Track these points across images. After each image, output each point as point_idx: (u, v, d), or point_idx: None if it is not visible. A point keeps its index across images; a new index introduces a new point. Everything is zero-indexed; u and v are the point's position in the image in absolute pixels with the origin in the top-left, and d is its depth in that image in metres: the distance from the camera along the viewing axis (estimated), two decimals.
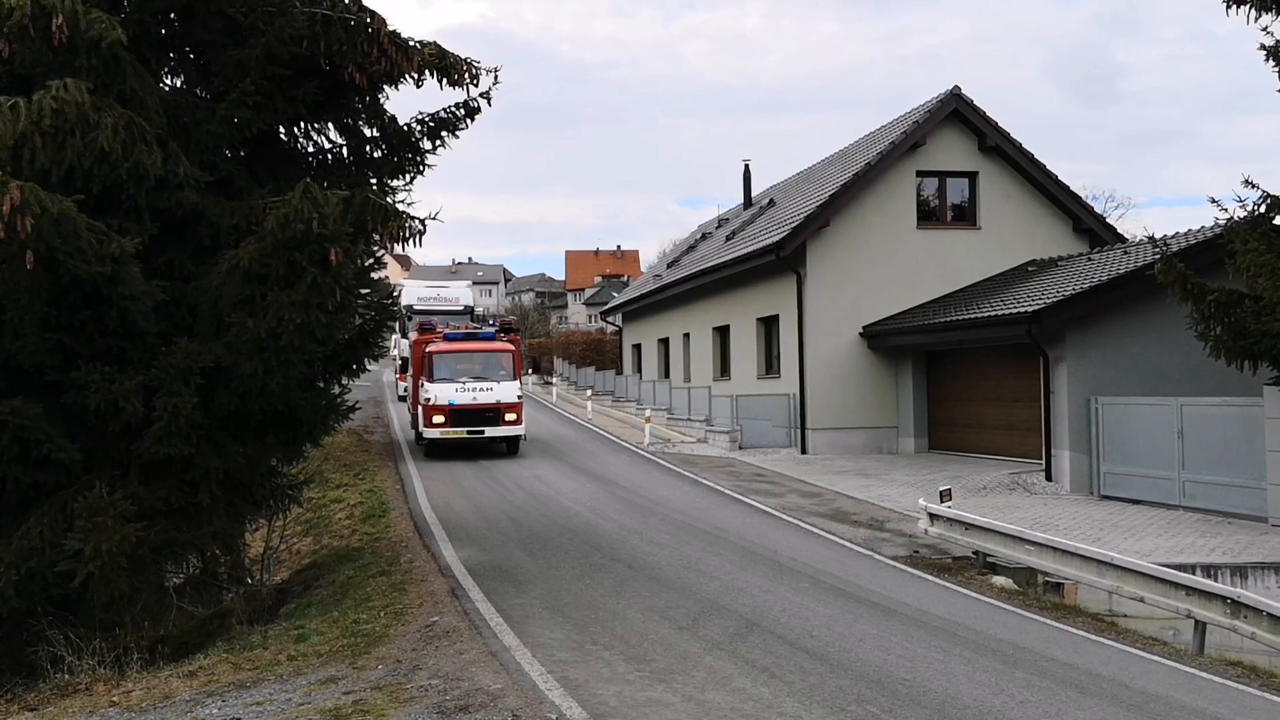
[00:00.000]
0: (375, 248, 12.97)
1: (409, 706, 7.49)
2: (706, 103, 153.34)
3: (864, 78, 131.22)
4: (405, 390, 32.77)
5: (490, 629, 9.63)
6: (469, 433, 23.99)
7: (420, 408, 25.06)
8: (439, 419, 24.04)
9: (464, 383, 24.37)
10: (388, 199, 12.07)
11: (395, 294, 17.00)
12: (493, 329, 27.82)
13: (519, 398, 24.84)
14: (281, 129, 12.84)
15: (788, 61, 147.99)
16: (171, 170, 10.84)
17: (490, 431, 24.25)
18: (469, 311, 40.56)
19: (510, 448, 25.18)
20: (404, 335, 33.69)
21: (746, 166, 38.99)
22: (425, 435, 24.32)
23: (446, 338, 26.13)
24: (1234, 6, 15.06)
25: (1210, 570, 13.01)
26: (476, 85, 12.63)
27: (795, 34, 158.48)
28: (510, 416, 24.36)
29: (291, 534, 17.89)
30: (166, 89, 12.47)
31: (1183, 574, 11.51)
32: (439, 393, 24.21)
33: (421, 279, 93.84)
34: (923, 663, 9.00)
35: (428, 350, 25.47)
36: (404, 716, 7.29)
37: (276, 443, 12.69)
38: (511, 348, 25.97)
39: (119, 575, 10.68)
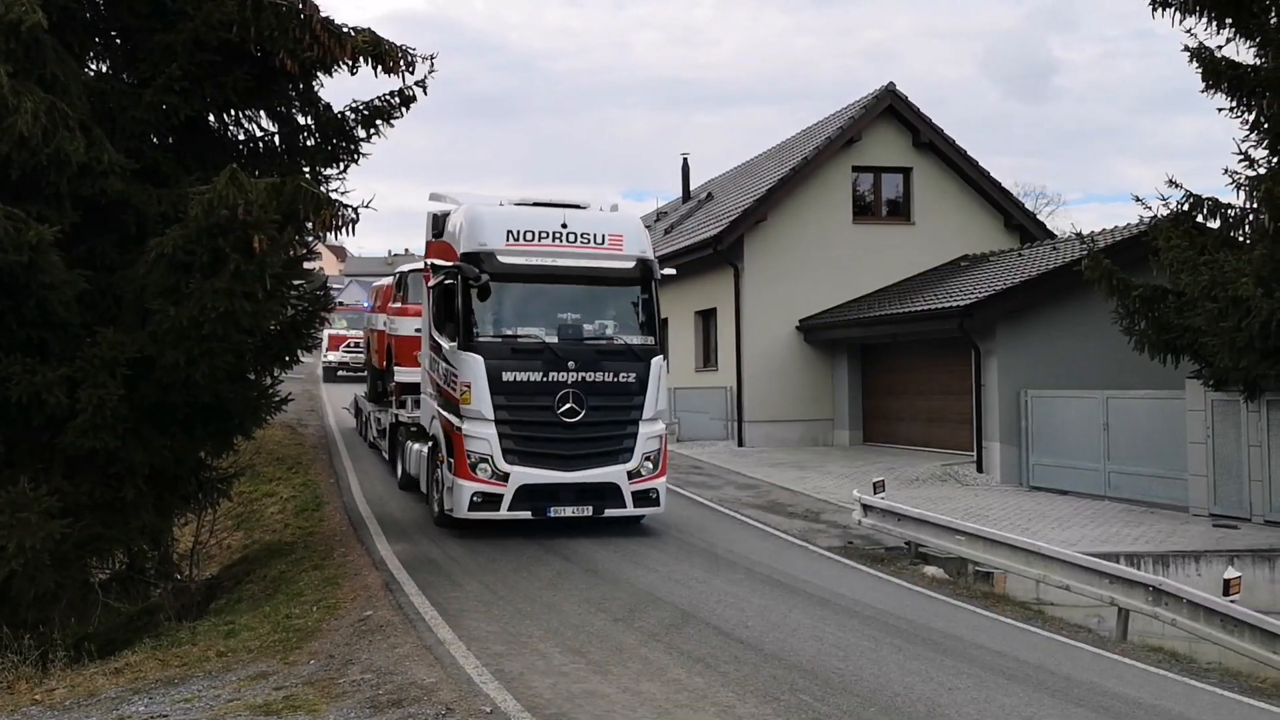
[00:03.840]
0: (308, 237, 12.82)
1: (341, 701, 7.41)
2: (655, 94, 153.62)
3: (813, 71, 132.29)
4: (360, 402, 24.72)
5: (425, 622, 9.56)
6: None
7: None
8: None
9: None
10: (321, 187, 11.95)
11: (324, 285, 16.85)
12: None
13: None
14: (211, 116, 12.64)
15: (738, 53, 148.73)
16: (95, 157, 10.61)
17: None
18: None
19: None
20: (405, 297, 19.26)
21: (685, 160, 39.02)
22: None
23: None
24: (1160, 9, 15.41)
25: (1133, 559, 13.33)
26: (412, 73, 12.57)
27: (745, 26, 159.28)
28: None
29: (222, 528, 17.61)
30: (91, 74, 12.21)
31: (1107, 563, 11.78)
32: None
33: (359, 270, 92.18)
34: (855, 651, 9.11)
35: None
36: (336, 711, 7.22)
37: (205, 435, 12.48)
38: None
39: (43, 572, 10.45)
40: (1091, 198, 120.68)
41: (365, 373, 36.90)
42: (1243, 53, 15.16)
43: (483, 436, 12.94)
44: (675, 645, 8.98)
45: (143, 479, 11.41)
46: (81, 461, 11.14)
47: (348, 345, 37.49)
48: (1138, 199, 16.06)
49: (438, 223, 14.42)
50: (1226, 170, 14.65)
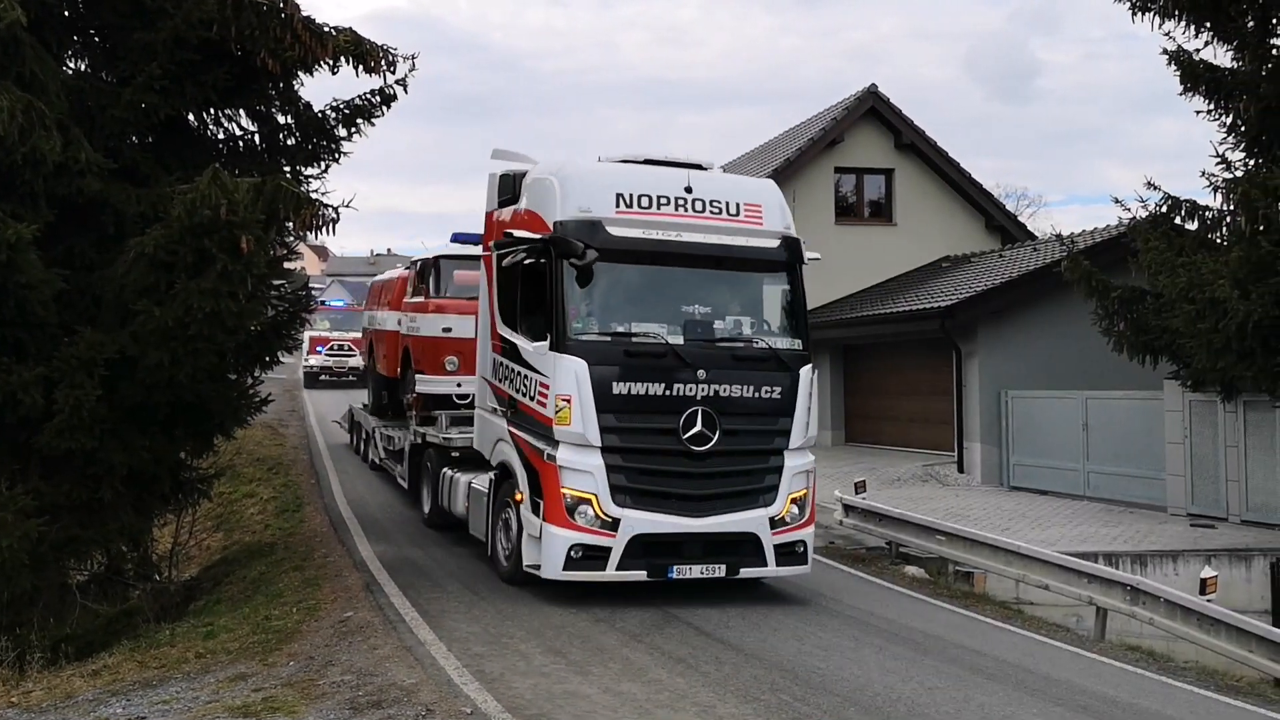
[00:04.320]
0: (288, 237, 12.77)
1: (321, 703, 7.39)
2: (640, 94, 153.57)
3: (798, 72, 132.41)
4: (362, 416, 20.74)
5: (405, 624, 9.54)
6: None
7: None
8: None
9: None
10: (301, 187, 11.91)
11: (306, 285, 16.69)
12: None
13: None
14: (190, 115, 12.56)
15: (724, 54, 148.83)
16: (72, 156, 10.53)
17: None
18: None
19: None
20: (435, 288, 15.85)
21: None
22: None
23: None
24: (1139, 13, 15.52)
25: (1111, 558, 13.42)
26: (393, 73, 12.52)
27: (731, 26, 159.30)
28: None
29: (201, 529, 17.53)
30: (69, 72, 12.13)
31: (1085, 562, 11.86)
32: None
33: (341, 270, 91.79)
34: (836, 651, 9.14)
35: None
36: (315, 713, 7.19)
37: (186, 436, 12.41)
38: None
39: (20, 573, 10.39)
40: (1073, 199, 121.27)
41: (348, 378, 34.97)
42: (1220, 56, 15.30)
43: (586, 469, 9.95)
44: (656, 645, 8.99)
45: (121, 480, 11.34)
46: (59, 462, 11.06)
47: (331, 348, 35.63)
48: (1117, 201, 16.21)
49: (507, 185, 11.51)
50: (1204, 173, 14.79)
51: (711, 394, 10.27)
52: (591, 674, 8.12)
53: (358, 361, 34.74)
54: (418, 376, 15.38)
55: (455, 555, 12.77)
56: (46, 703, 8.66)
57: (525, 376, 10.69)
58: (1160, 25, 15.35)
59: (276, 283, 13.03)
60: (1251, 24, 14.90)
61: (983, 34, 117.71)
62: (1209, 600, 10.45)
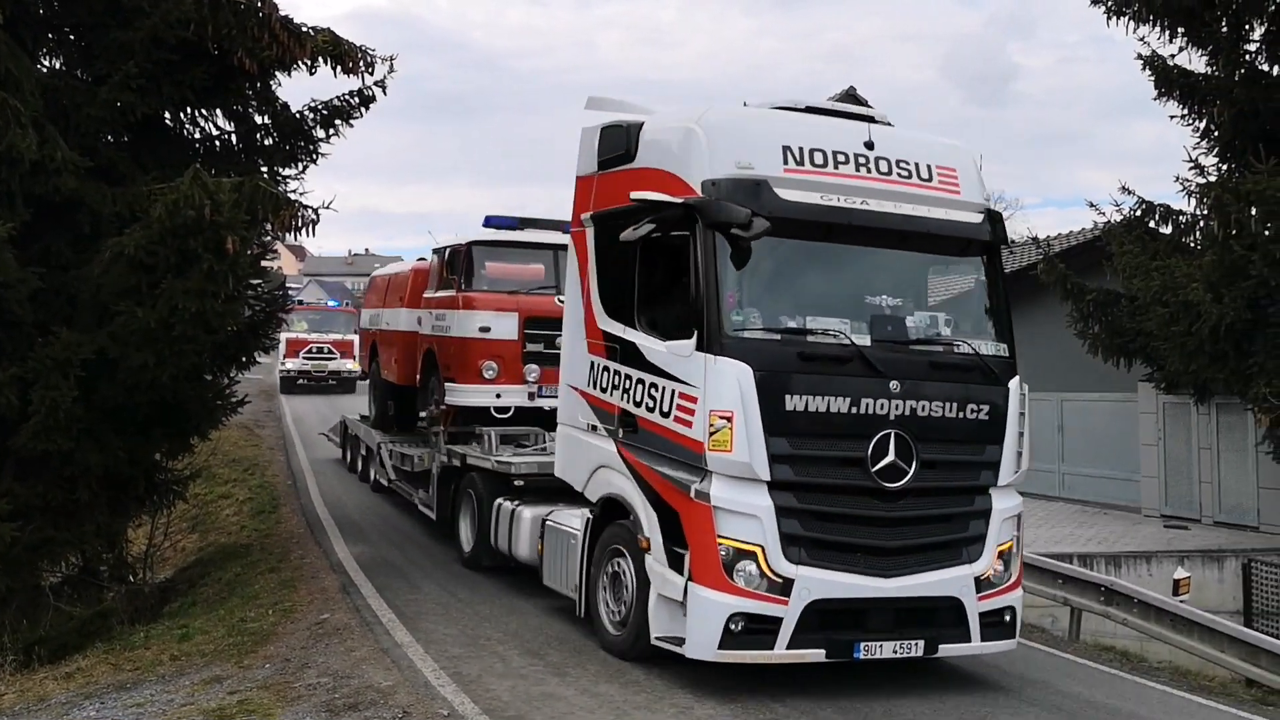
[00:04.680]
0: (266, 237, 12.72)
1: (296, 705, 7.36)
2: (620, 94, 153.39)
3: (777, 74, 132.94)
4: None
5: (382, 625, 9.51)
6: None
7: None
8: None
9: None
10: (279, 187, 11.86)
11: (283, 285, 16.56)
12: None
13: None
14: (167, 114, 12.49)
15: (702, 55, 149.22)
16: (49, 155, 10.46)
17: None
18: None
19: None
20: (468, 280, 13.21)
21: None
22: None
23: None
24: (1114, 17, 15.66)
25: (1086, 559, 13.53)
26: (372, 73, 12.49)
27: (710, 28, 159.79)
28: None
29: (177, 531, 17.40)
30: (45, 70, 12.04)
31: (1060, 563, 11.96)
32: None
33: (318, 270, 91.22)
34: None
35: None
36: (291, 715, 7.17)
37: (162, 437, 12.37)
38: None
39: None
40: (1049, 202, 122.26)
41: (329, 383, 33.49)
42: (1195, 61, 15.46)
43: (750, 511, 7.56)
44: None
45: (97, 481, 11.27)
46: (35, 463, 10.98)
47: (309, 351, 33.68)
48: (1092, 205, 16.39)
49: (616, 140, 8.88)
50: (1178, 178, 14.94)
51: (907, 413, 7.90)
52: (569, 675, 8.12)
53: (339, 365, 33.84)
54: (448, 385, 12.88)
55: (433, 557, 12.75)
56: (19, 706, 8.59)
57: (653, 386, 8.20)
58: (1135, 30, 15.52)
59: (254, 282, 12.99)
60: (1225, 30, 15.07)
61: (960, 37, 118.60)
62: (1182, 601, 10.57)
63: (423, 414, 14.19)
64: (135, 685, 8.57)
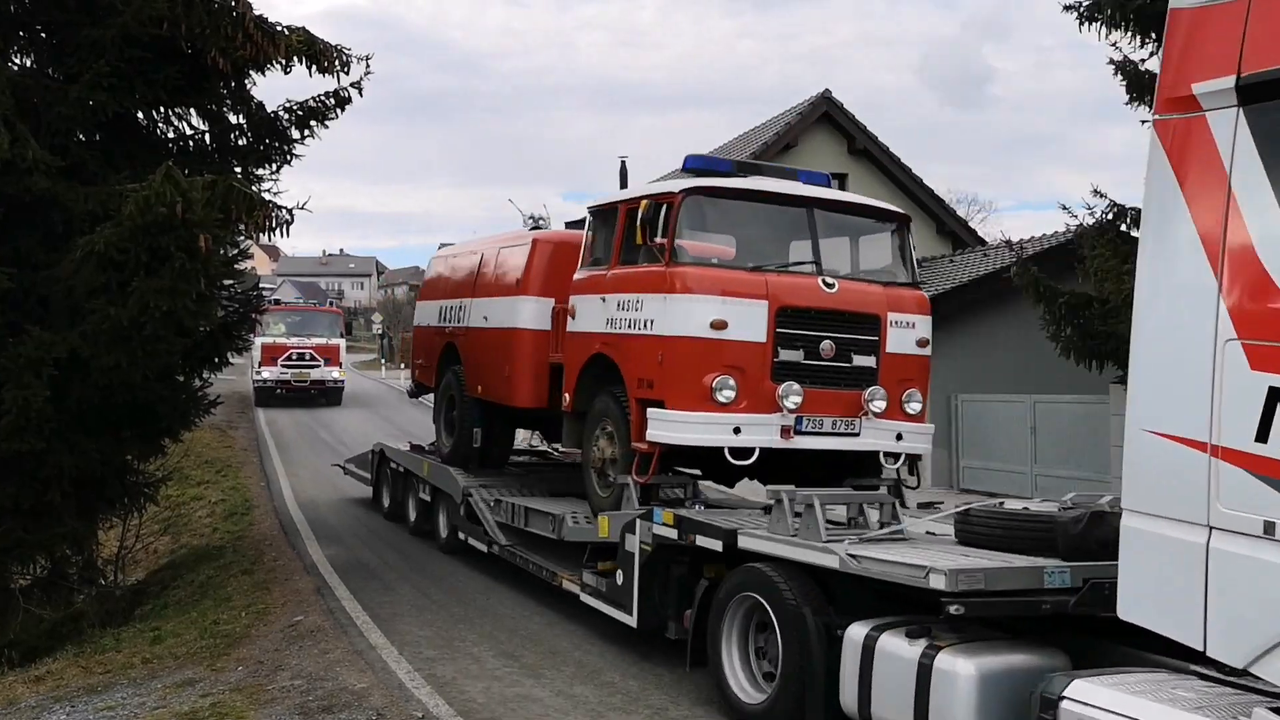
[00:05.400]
0: (240, 238, 12.64)
1: (270, 708, 7.34)
2: (598, 95, 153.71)
3: (755, 76, 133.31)
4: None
5: (356, 627, 9.49)
6: None
7: None
8: None
9: None
10: (253, 187, 11.78)
11: (257, 285, 16.22)
12: None
13: None
14: (140, 113, 12.39)
15: (681, 57, 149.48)
16: (19, 154, 10.35)
17: None
18: None
19: None
20: (674, 249, 8.76)
21: (623, 163, 38.87)
22: None
23: None
24: (1086, 23, 15.79)
25: None
26: (348, 73, 12.41)
27: (689, 29, 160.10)
28: None
29: (148, 533, 17.28)
30: (15, 68, 11.92)
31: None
32: None
33: (293, 270, 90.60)
34: None
35: None
36: (264, 718, 7.15)
37: (134, 438, 12.26)
38: None
39: None
40: (1024, 205, 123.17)
41: (310, 393, 30.13)
42: None
43: None
44: (610, 648, 9.00)
45: (70, 482, 11.17)
46: (5, 465, 10.87)
47: (289, 358, 30.66)
48: (1064, 208, 16.48)
49: None
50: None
51: None
52: (544, 677, 8.12)
53: (323, 374, 30.85)
54: (652, 413, 8.62)
55: (408, 558, 12.71)
56: None
57: None
58: (1107, 35, 15.62)
59: (227, 283, 12.91)
60: None
61: (936, 40, 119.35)
62: None
63: (553, 447, 11.72)
64: (106, 688, 8.51)
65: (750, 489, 10.58)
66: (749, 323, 8.53)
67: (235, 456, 22.74)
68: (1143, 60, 15.64)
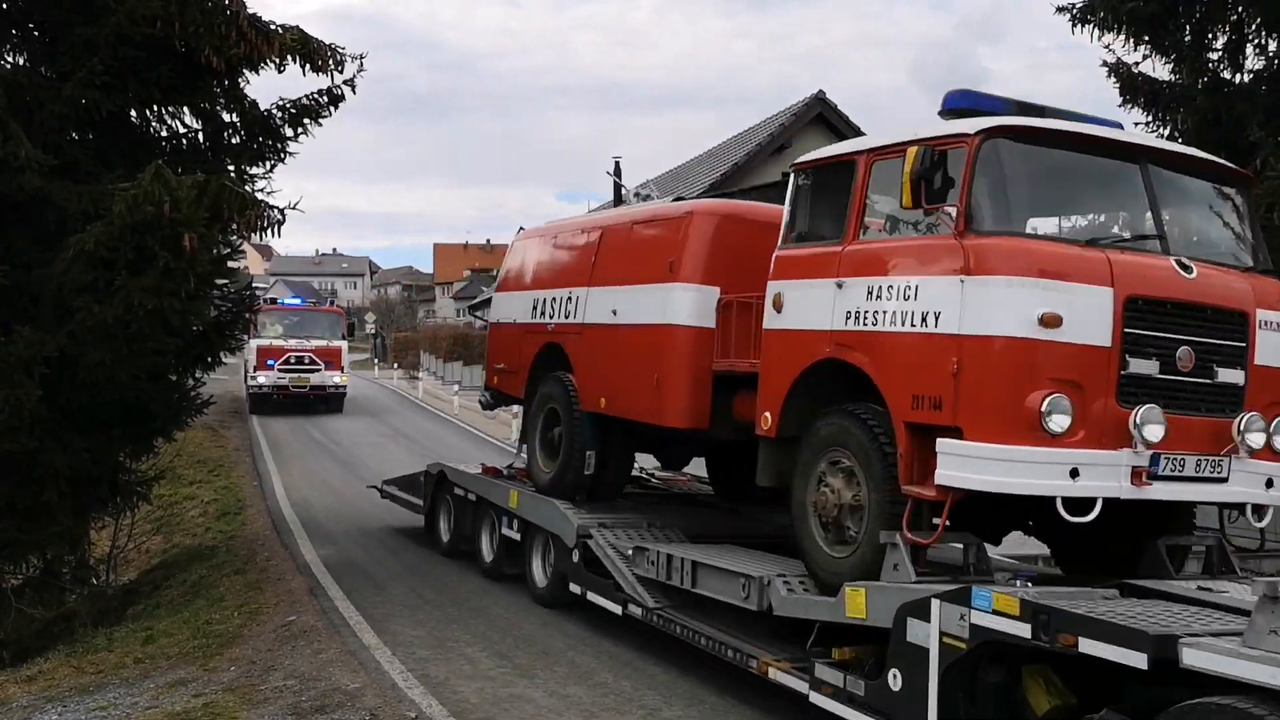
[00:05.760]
0: (233, 237, 12.62)
1: (262, 708, 7.33)
2: (592, 96, 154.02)
3: (750, 76, 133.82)
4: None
5: (349, 627, 9.48)
6: None
7: None
8: None
9: None
10: (247, 186, 11.77)
11: (250, 285, 16.05)
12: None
13: None
14: (133, 112, 12.36)
15: (677, 57, 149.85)
16: (12, 152, 10.32)
17: None
18: None
19: None
20: (968, 214, 6.29)
21: (617, 163, 38.90)
22: None
23: None
24: (1080, 25, 15.83)
25: (1035, 561, 13.66)
26: (341, 72, 12.39)
27: (685, 30, 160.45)
28: None
29: (141, 533, 17.23)
30: (8, 66, 11.89)
31: (1014, 562, 12.07)
32: None
33: (285, 269, 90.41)
34: None
35: None
36: (257, 718, 7.14)
37: (125, 437, 12.22)
38: None
39: None
40: None
41: (309, 399, 27.72)
42: (1159, 69, 15.63)
43: None
44: (604, 649, 9.01)
45: (65, 482, 11.14)
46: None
47: (286, 361, 28.52)
48: None
49: None
50: None
51: None
52: (538, 677, 8.13)
53: (324, 379, 29.02)
54: (944, 445, 6.17)
55: (401, 559, 12.70)
56: None
57: None
58: (1100, 38, 15.66)
59: (220, 282, 12.88)
60: (1188, 38, 15.26)
61: (930, 41, 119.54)
62: None
63: (650, 474, 9.94)
64: (98, 688, 8.50)
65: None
66: (1089, 319, 6.05)
67: (228, 456, 22.69)
68: (1136, 63, 15.70)
